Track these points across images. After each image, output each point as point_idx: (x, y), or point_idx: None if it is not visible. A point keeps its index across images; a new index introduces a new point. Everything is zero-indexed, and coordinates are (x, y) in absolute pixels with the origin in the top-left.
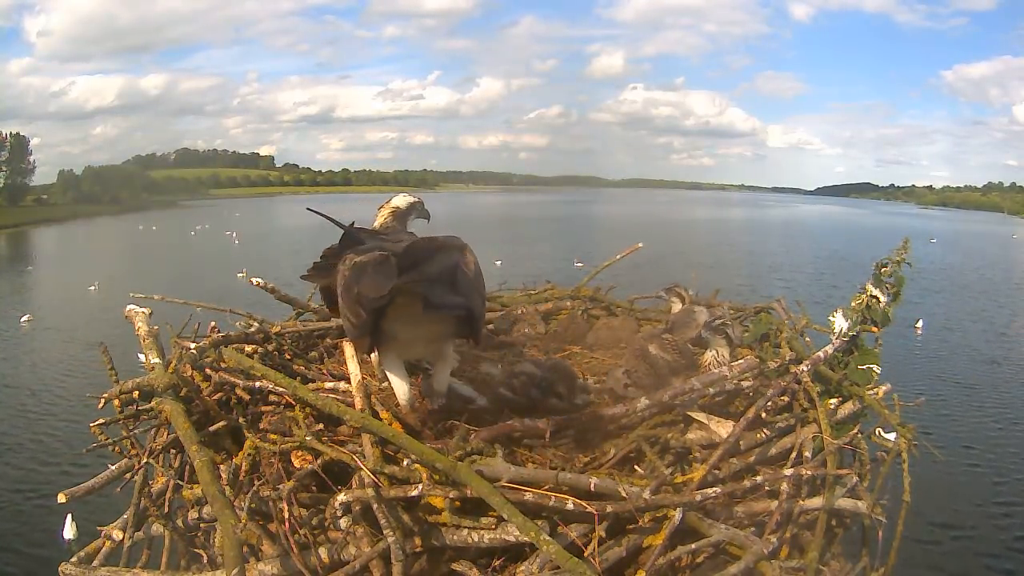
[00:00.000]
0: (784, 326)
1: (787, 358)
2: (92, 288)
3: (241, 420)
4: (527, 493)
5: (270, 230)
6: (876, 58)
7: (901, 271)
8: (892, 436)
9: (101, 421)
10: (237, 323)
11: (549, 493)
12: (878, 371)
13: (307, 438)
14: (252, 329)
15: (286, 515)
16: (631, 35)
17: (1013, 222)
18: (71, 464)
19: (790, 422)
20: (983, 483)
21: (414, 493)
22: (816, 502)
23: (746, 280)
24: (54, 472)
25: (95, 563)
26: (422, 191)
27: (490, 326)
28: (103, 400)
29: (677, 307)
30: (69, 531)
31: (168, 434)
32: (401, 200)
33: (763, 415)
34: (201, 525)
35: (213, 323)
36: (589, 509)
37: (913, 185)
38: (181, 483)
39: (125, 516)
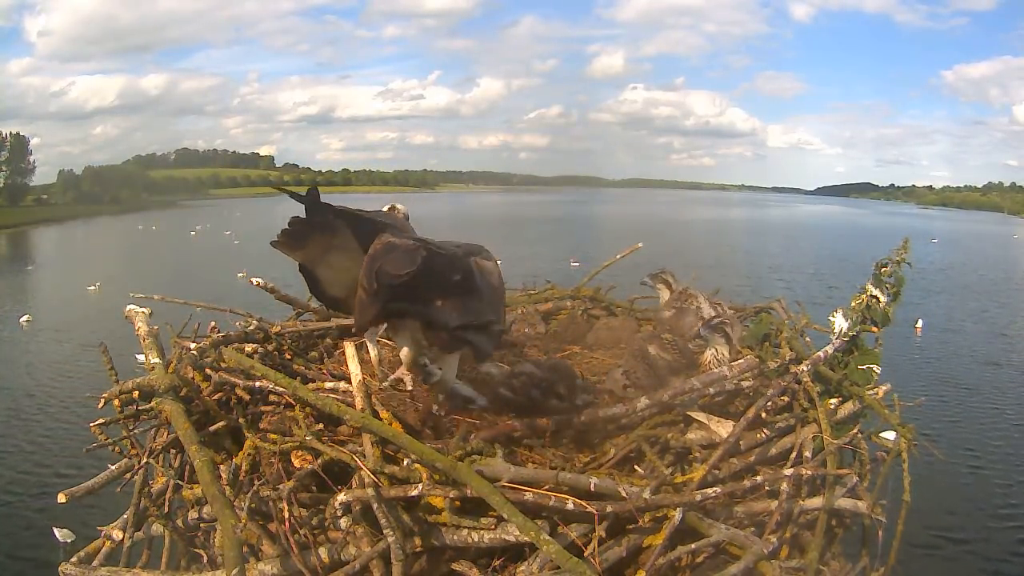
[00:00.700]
0: (784, 326)
1: (787, 358)
2: (92, 288)
3: (241, 420)
4: (527, 493)
5: (270, 230)
6: (876, 58)
7: (901, 271)
8: (892, 436)
9: (101, 421)
10: (237, 323)
11: (549, 493)
12: (878, 371)
13: (307, 438)
14: (251, 328)
15: (286, 515)
16: (631, 35)
17: (1013, 222)
18: (71, 464)
19: (790, 422)
20: (983, 483)
21: (414, 493)
22: (816, 502)
23: (746, 280)
24: (54, 472)
25: (95, 563)
26: (422, 191)
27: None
28: (103, 400)
29: (665, 294)
30: (60, 536)
31: (168, 434)
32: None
33: (763, 415)
34: (201, 525)
35: (213, 323)
36: (589, 509)
37: (913, 185)
38: (181, 483)
39: (125, 516)
